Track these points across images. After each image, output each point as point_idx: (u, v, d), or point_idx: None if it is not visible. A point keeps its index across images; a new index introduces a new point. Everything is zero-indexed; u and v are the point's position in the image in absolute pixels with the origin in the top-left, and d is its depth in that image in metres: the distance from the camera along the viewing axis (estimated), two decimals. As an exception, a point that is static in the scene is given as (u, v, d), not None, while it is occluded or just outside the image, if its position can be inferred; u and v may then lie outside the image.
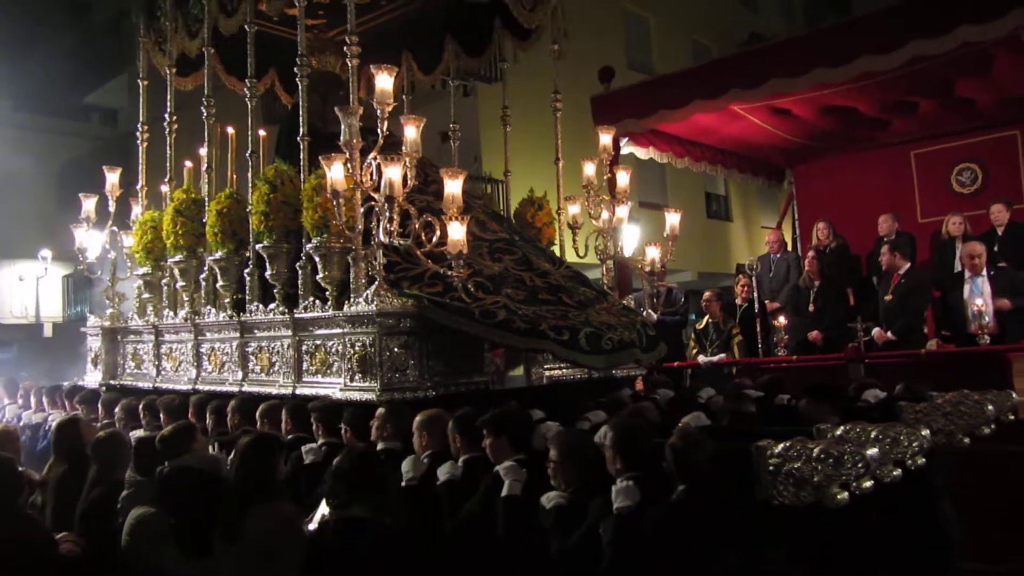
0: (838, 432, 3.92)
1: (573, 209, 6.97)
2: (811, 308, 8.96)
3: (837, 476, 3.36)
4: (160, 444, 4.58)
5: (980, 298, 7.61)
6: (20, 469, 4.79)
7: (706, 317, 9.56)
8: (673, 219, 6.71)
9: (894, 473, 3.63)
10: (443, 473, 4.29)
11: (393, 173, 4.81)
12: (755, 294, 9.32)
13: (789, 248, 10.88)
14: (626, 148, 9.50)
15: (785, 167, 11.81)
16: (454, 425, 4.48)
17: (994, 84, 8.55)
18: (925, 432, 3.86)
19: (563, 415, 4.82)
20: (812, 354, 8.45)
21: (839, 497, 3.36)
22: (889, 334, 8.09)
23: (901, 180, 10.61)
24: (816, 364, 7.73)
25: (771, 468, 3.48)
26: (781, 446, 3.47)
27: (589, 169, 6.84)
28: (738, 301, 9.85)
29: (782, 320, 8.66)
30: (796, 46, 8.51)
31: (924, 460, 3.83)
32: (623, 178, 6.92)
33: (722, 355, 9.11)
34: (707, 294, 9.84)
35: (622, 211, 6.64)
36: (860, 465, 3.33)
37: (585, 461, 3.92)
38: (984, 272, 7.87)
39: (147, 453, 4.60)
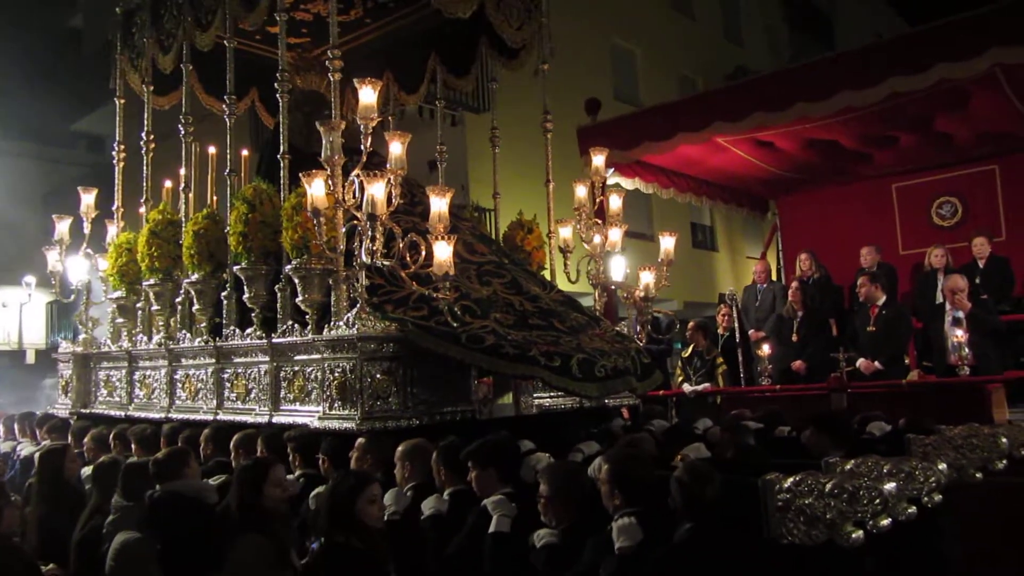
0: (848, 466, 3.67)
1: (565, 232, 6.75)
2: (794, 338, 8.93)
3: (852, 513, 3.12)
4: (154, 467, 4.52)
5: (960, 330, 7.58)
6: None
7: (691, 346, 9.51)
8: (668, 243, 6.50)
9: (909, 511, 3.39)
10: (427, 507, 4.02)
11: (376, 190, 4.58)
12: (736, 324, 9.29)
13: (775, 278, 10.85)
14: (612, 179, 9.48)
15: (769, 198, 11.92)
16: (438, 456, 4.22)
17: (972, 120, 8.68)
18: (942, 466, 3.63)
19: (554, 446, 4.56)
20: (795, 383, 8.39)
21: (854, 536, 3.11)
22: (877, 364, 8.02)
23: (883, 213, 10.76)
24: (799, 394, 7.65)
25: (780, 504, 3.23)
26: (791, 480, 3.22)
27: (580, 191, 6.63)
28: (720, 330, 9.80)
29: (766, 349, 8.57)
30: (779, 80, 8.69)
31: (940, 497, 3.60)
32: (615, 201, 6.69)
33: (706, 384, 9.02)
34: (692, 323, 9.82)
35: (615, 234, 6.41)
36: (877, 501, 3.09)
37: (578, 496, 3.67)
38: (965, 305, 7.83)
39: (135, 478, 4.55)
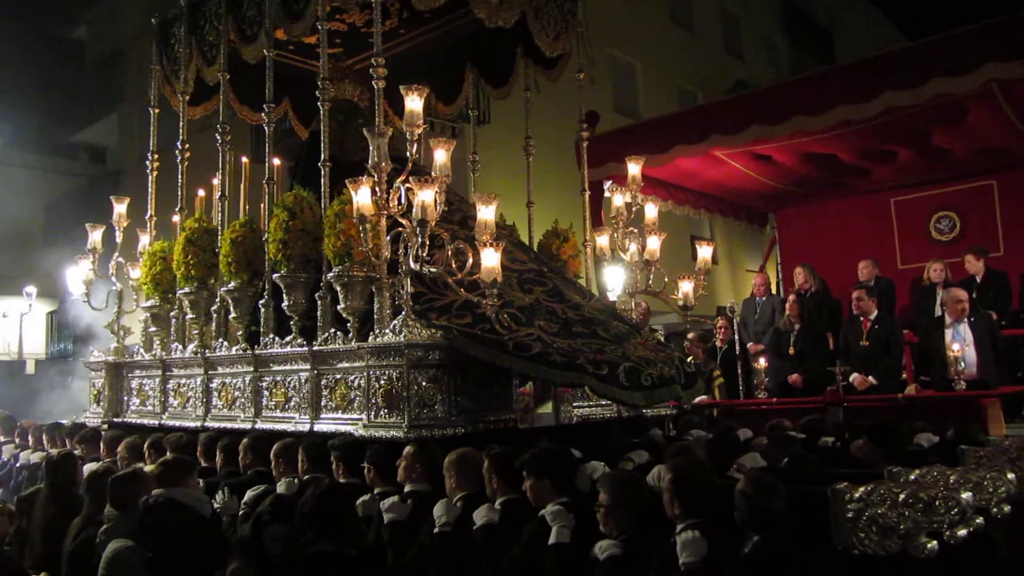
0: (912, 476, 3.62)
1: (602, 241, 6.71)
2: (791, 351, 8.97)
3: (927, 523, 3.06)
4: (157, 471, 4.59)
5: (958, 343, 7.57)
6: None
7: (690, 358, 9.41)
8: (705, 252, 6.47)
9: (978, 521, 3.32)
10: (479, 517, 3.96)
11: (426, 196, 4.55)
12: (735, 336, 9.31)
13: (774, 291, 10.89)
14: (609, 192, 9.43)
15: (768, 211, 11.97)
16: (490, 465, 4.16)
17: (969, 134, 8.68)
18: (1011, 476, 3.55)
19: (595, 455, 4.50)
20: (792, 397, 8.41)
21: (929, 547, 3.06)
22: (871, 379, 8.02)
23: (881, 227, 10.80)
24: (795, 407, 7.61)
25: (851, 514, 3.17)
26: (862, 489, 3.16)
27: (618, 200, 6.62)
28: (717, 343, 9.82)
29: (763, 362, 8.59)
30: (776, 94, 8.79)
31: (1009, 508, 3.53)
32: (651, 210, 6.67)
33: (704, 396, 8.92)
34: (691, 336, 9.82)
35: (653, 243, 6.37)
36: (955, 511, 3.03)
37: (639, 505, 3.61)
38: (965, 319, 7.84)
39: (125, 488, 4.58)
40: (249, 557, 4.06)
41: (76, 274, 7.87)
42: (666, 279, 6.43)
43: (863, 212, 10.90)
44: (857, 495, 3.17)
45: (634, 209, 6.64)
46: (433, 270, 4.71)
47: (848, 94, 7.64)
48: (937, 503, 3.04)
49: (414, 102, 4.96)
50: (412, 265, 4.70)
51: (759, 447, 5.14)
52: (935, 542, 3.07)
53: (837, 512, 3.19)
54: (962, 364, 7.36)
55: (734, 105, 9.24)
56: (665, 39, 20.62)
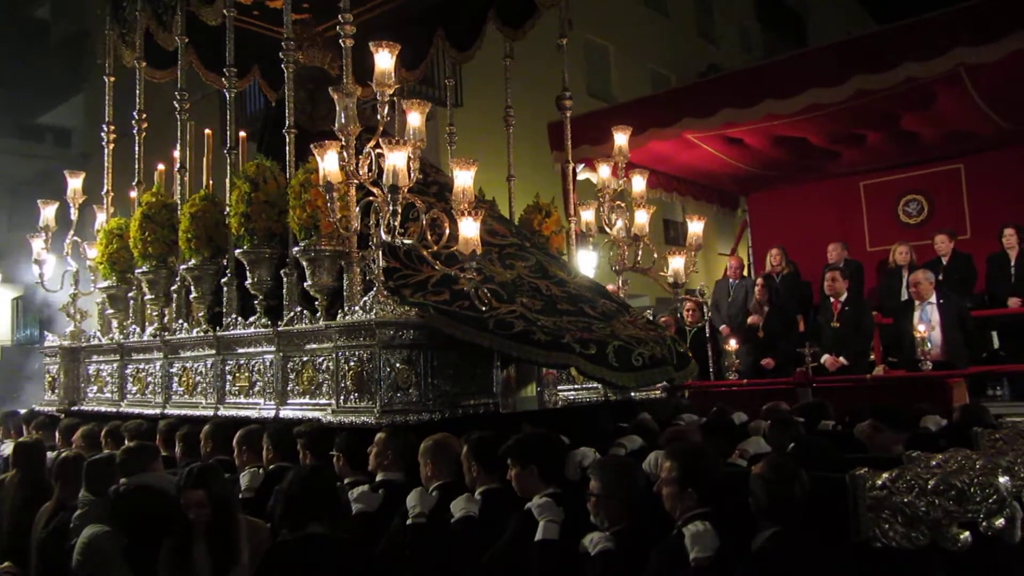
0: (934, 462, 3.29)
1: (587, 216, 6.35)
2: (760, 334, 8.94)
3: (960, 513, 2.74)
4: (120, 458, 4.48)
5: (923, 325, 7.58)
6: None
7: None
8: (696, 228, 6.11)
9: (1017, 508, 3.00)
10: (458, 508, 3.60)
11: (397, 159, 4.16)
12: (706, 318, 9.26)
13: (746, 274, 10.81)
14: (582, 174, 9.53)
15: (740, 195, 12.01)
16: (469, 452, 3.80)
17: (938, 119, 8.84)
18: (1045, 459, 3.24)
19: (582, 441, 4.15)
20: (763, 378, 8.39)
21: (962, 538, 2.73)
22: (842, 360, 7.98)
23: (851, 210, 10.90)
24: (765, 388, 7.56)
25: (871, 502, 2.85)
26: (885, 476, 2.84)
27: (604, 172, 6.25)
28: (686, 327, 9.63)
29: (733, 344, 8.51)
30: (747, 78, 8.88)
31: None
32: (639, 183, 6.31)
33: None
34: (663, 319, 9.53)
35: (641, 216, 6.02)
36: (992, 499, 2.70)
37: (634, 494, 3.27)
38: (933, 300, 7.84)
39: (101, 472, 4.45)
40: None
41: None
42: (655, 256, 6.08)
43: (833, 195, 10.98)
44: (880, 482, 2.85)
45: (622, 183, 6.28)
46: (407, 242, 4.32)
47: (818, 78, 7.77)
48: (972, 490, 2.72)
49: (384, 60, 4.56)
50: (384, 237, 4.30)
51: (757, 431, 4.82)
52: (967, 533, 2.75)
53: (858, 500, 2.86)
54: (928, 345, 7.36)
55: (706, 88, 9.38)
56: (638, 22, 20.39)
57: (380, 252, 4.55)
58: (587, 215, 6.41)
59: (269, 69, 7.86)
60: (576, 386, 5.78)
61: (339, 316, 4.60)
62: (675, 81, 19.53)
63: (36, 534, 4.62)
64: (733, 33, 24.04)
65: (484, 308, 4.38)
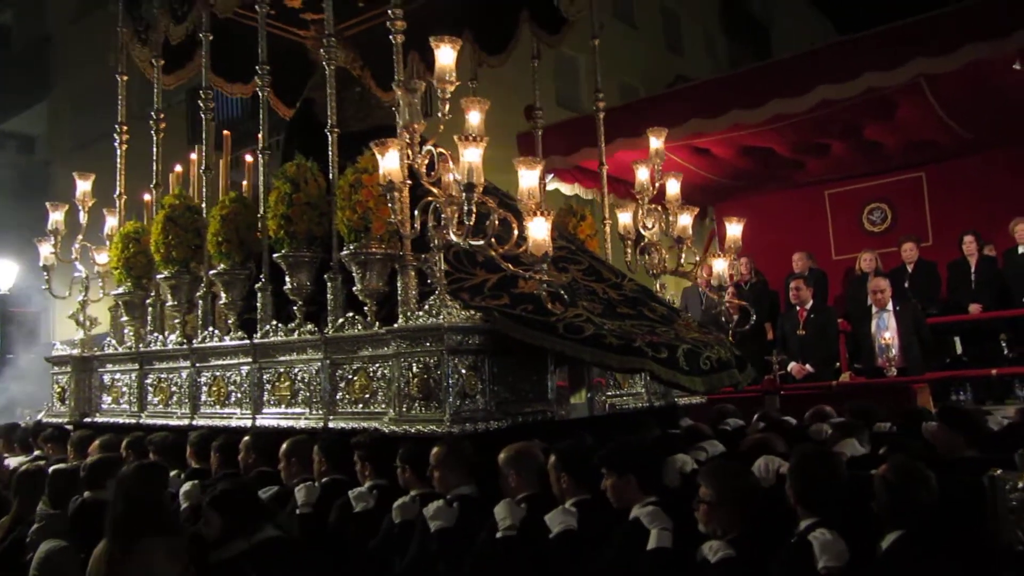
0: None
1: (624, 219, 6.23)
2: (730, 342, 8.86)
3: (1113, 517, 2.66)
4: (85, 473, 4.52)
5: (887, 332, 7.72)
6: None
7: None
8: (685, 220, 6.02)
9: None
10: (555, 522, 3.44)
11: (471, 156, 4.00)
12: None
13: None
14: (551, 184, 9.60)
15: (707, 204, 11.98)
16: (558, 462, 3.66)
17: (899, 128, 9.03)
18: None
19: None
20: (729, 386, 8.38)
21: (1115, 543, 2.66)
22: (808, 367, 8.12)
23: (816, 219, 11.08)
24: (732, 396, 7.42)
25: (1013, 505, 2.76)
26: (1029, 479, 2.75)
27: (642, 175, 6.16)
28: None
29: None
30: (713, 88, 9.09)
31: None
32: (673, 186, 6.23)
33: None
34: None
35: (684, 219, 5.92)
36: None
37: (748, 500, 3.15)
38: (890, 307, 7.94)
39: (62, 485, 4.54)
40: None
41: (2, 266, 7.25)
42: (697, 257, 5.99)
43: (799, 204, 11.14)
44: (1022, 484, 2.76)
45: (658, 184, 6.20)
46: (476, 243, 4.16)
47: (782, 88, 7.95)
48: None
49: (445, 55, 4.40)
50: (453, 238, 4.14)
51: (818, 434, 4.74)
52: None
53: (998, 504, 2.78)
54: (892, 351, 7.53)
55: (673, 99, 9.66)
56: (608, 35, 20.50)
57: (441, 255, 4.39)
58: (624, 218, 6.29)
59: (280, 75, 7.65)
60: (620, 392, 5.66)
61: (401, 320, 4.41)
62: (644, 92, 19.41)
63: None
64: (699, 45, 24.39)
65: (559, 312, 4.22)
